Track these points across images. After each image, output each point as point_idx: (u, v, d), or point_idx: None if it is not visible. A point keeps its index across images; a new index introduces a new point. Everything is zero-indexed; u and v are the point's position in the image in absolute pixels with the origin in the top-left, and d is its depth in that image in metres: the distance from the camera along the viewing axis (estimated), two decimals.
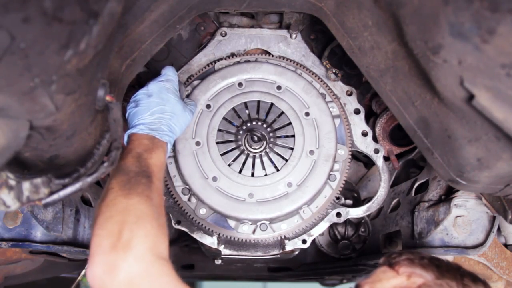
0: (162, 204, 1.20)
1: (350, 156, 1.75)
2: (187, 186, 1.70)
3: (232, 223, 1.71)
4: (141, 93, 1.44)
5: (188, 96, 1.75)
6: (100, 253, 1.01)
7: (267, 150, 1.70)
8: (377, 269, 1.24)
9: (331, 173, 1.71)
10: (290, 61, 1.81)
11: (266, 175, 1.69)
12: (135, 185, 1.14)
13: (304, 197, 1.67)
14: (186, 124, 1.52)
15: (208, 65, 1.82)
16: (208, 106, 1.73)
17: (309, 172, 1.68)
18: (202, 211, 1.69)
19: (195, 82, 1.78)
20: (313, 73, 1.81)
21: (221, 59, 1.82)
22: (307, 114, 1.73)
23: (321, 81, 1.80)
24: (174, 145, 1.71)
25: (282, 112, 1.74)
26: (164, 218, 1.16)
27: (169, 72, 1.52)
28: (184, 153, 1.69)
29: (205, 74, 1.80)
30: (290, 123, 1.73)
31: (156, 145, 1.34)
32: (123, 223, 1.03)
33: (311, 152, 1.69)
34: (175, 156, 1.71)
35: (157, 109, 1.41)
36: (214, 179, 1.66)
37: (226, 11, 1.86)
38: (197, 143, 1.70)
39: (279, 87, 1.75)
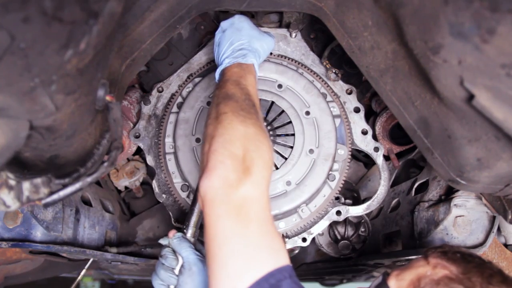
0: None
1: (349, 156, 1.75)
2: (186, 183, 1.70)
3: None
4: (216, 34, 1.52)
5: (189, 92, 1.75)
6: (222, 168, 1.06)
7: None
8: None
9: (330, 172, 1.71)
10: (291, 60, 1.81)
11: None
12: (248, 114, 1.19)
13: (303, 196, 1.67)
14: (268, 45, 1.57)
15: (208, 63, 1.82)
16: (209, 103, 1.73)
17: (308, 171, 1.68)
18: None
19: (197, 79, 1.79)
20: (314, 73, 1.81)
21: None
22: (307, 113, 1.73)
23: (322, 80, 1.80)
24: (174, 142, 1.71)
25: (283, 111, 1.74)
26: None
27: (236, 15, 1.57)
28: (184, 149, 1.69)
29: (207, 72, 1.80)
30: (290, 122, 1.73)
31: (245, 70, 1.38)
32: (246, 150, 1.10)
33: (311, 151, 1.69)
34: (175, 153, 1.71)
35: (234, 38, 1.46)
36: None
37: (226, 10, 1.86)
38: (197, 140, 1.70)
39: (280, 86, 1.75)
